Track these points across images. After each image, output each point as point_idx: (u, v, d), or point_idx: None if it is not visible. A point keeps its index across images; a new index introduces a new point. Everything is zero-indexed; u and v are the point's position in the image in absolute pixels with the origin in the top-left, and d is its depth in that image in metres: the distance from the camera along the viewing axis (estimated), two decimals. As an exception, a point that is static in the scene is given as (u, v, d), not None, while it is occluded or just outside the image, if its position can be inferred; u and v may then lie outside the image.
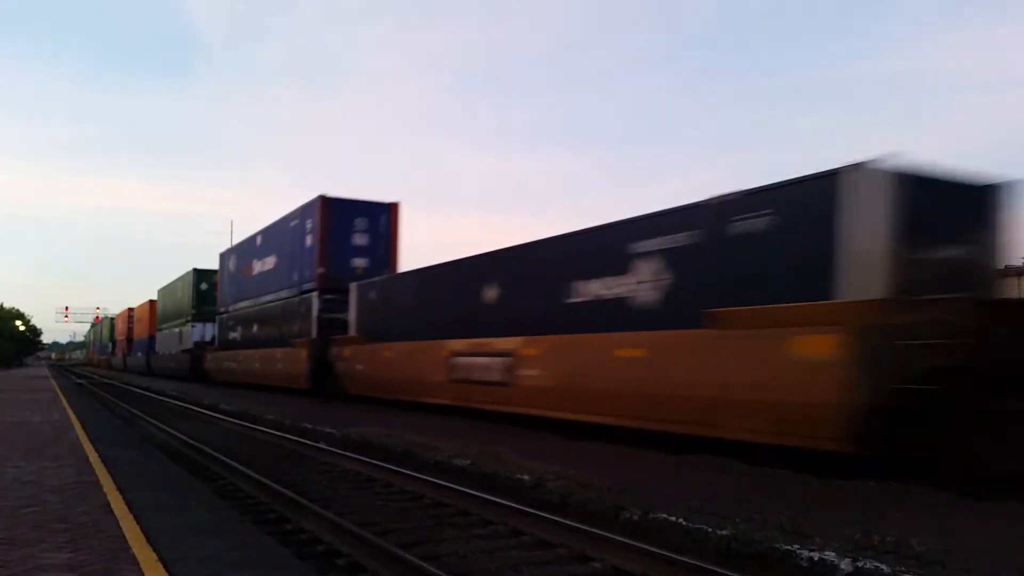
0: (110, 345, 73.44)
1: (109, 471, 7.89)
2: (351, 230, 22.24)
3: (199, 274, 37.35)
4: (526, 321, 12.80)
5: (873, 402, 7.33)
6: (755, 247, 8.89)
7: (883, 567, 4.58)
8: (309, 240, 22.72)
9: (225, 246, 34.14)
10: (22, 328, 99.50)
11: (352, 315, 19.91)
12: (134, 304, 57.86)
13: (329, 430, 12.63)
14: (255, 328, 27.57)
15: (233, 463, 9.66)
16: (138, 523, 5.48)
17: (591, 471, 7.75)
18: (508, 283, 13.74)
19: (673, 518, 5.87)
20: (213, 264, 35.85)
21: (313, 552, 5.87)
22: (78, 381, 41.63)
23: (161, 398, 24.57)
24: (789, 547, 5.01)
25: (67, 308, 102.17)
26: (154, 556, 4.61)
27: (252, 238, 29.21)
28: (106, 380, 43.18)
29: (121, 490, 6.78)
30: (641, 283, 10.46)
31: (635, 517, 6.14)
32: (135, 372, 52.44)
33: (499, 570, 5.38)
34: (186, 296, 38.41)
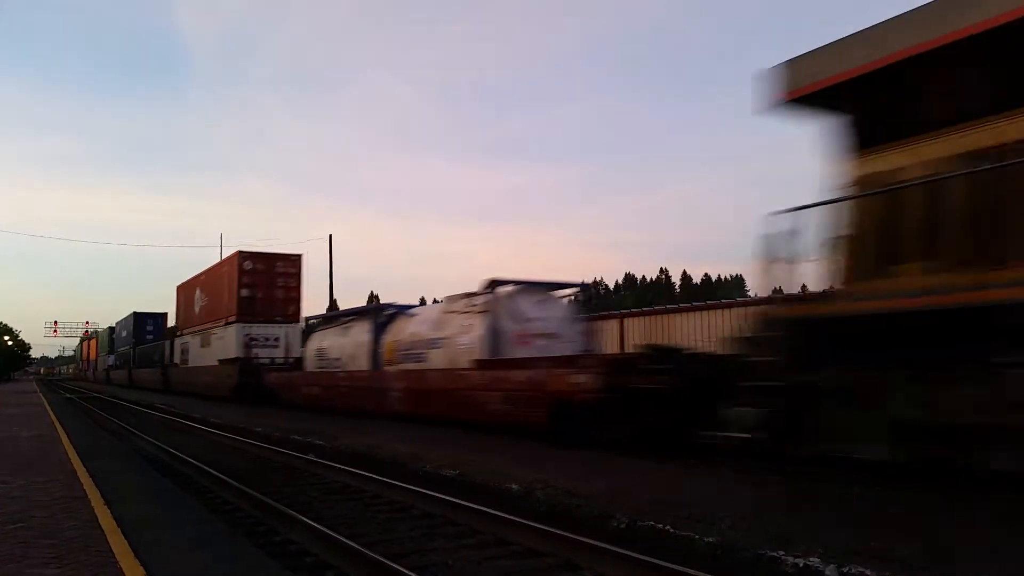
0: (81, 363, 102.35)
1: (96, 485, 7.87)
2: (145, 325, 55.57)
3: (111, 329, 67.97)
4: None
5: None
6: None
7: (868, 572, 4.59)
8: (131, 328, 55.73)
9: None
10: (10, 343, 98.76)
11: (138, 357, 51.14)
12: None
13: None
14: (123, 361, 58.28)
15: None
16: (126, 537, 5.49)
17: (579, 479, 7.77)
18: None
19: (660, 525, 5.89)
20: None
21: (303, 564, 5.87)
22: (67, 396, 41.46)
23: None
24: (775, 553, 5.04)
25: (56, 322, 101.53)
26: (142, 571, 4.62)
27: (122, 320, 62.04)
28: (95, 394, 43.13)
29: (108, 504, 6.77)
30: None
31: (622, 525, 6.17)
32: (89, 381, 77.86)
33: (488, 580, 5.40)
34: (106, 340, 70.31)
